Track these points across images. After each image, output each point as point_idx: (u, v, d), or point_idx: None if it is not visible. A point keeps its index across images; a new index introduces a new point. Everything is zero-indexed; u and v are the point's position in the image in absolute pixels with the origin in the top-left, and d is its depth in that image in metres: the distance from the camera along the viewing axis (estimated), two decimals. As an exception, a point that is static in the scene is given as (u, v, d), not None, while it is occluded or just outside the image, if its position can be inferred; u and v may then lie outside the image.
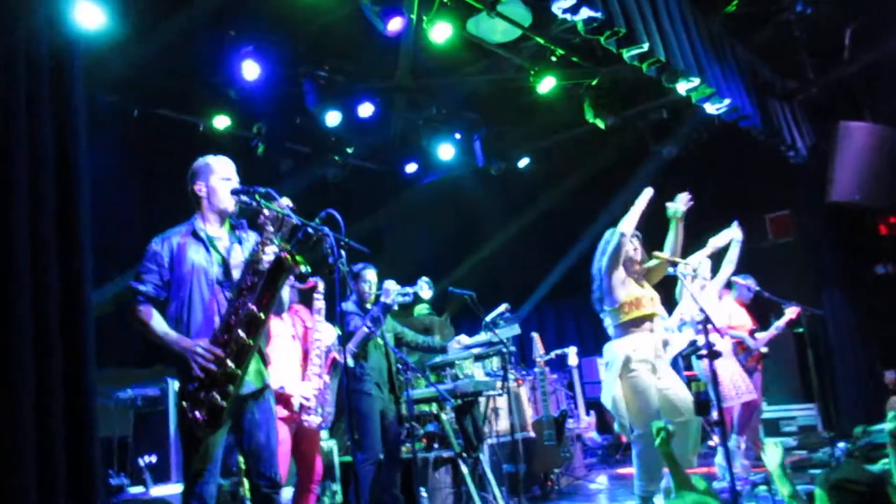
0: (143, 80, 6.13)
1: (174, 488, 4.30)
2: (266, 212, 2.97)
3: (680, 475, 3.19)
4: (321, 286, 4.27)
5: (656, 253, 4.45)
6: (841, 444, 6.21)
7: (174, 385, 4.65)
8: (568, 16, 4.52)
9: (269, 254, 2.92)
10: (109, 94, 6.09)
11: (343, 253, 2.98)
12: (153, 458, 4.46)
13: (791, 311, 6.26)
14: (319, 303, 4.33)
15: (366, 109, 7.01)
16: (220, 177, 3.15)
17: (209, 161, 3.20)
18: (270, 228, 2.96)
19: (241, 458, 4.11)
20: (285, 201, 3.00)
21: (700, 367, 5.60)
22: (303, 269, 2.88)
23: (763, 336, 6.28)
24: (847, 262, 7.67)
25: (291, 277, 3.00)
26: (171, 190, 6.69)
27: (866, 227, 7.75)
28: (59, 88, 2.71)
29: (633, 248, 4.53)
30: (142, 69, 5.89)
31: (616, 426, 6.88)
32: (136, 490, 4.43)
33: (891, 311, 7.50)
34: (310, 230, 2.96)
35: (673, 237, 4.51)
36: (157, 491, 4.31)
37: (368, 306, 4.93)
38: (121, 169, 6.53)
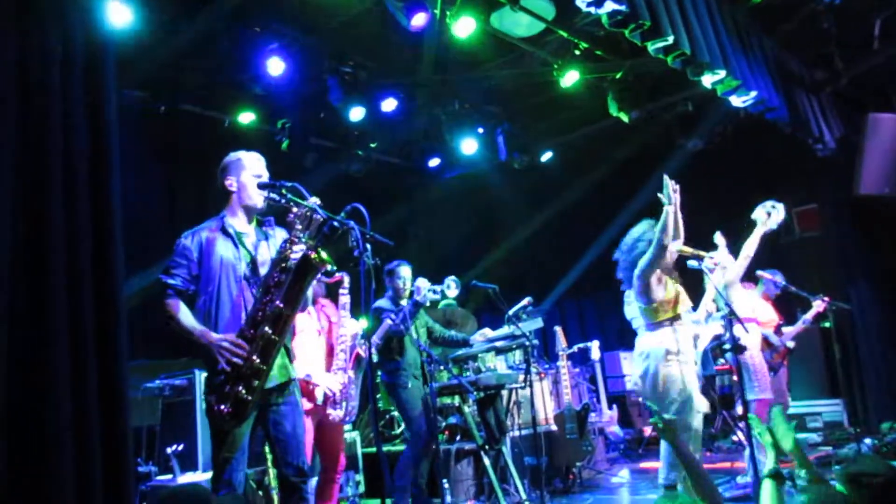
0: (169, 76, 6.21)
1: (201, 476, 4.38)
2: (294, 209, 2.99)
3: (694, 471, 3.10)
4: (346, 281, 4.32)
5: (680, 247, 4.43)
6: (867, 441, 6.13)
7: (201, 376, 4.74)
8: (592, 9, 4.50)
9: (297, 252, 2.93)
10: (137, 90, 6.18)
11: (368, 246, 2.99)
12: (180, 447, 4.54)
13: (818, 304, 6.19)
14: (345, 298, 4.38)
15: (389, 104, 7.05)
16: (251, 173, 3.15)
17: (241, 156, 3.20)
18: (298, 226, 2.97)
19: (266, 448, 4.19)
20: (313, 200, 3.00)
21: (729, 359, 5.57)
22: (329, 267, 2.92)
23: (790, 330, 6.22)
24: (875, 256, 7.55)
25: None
26: (196, 184, 6.88)
27: (895, 221, 7.62)
28: (93, 87, 2.76)
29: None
30: (168, 66, 5.98)
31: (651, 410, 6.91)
32: (164, 478, 4.53)
33: (920, 307, 7.38)
34: (335, 224, 2.98)
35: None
36: (185, 478, 4.39)
37: (403, 302, 5.12)
38: (148, 164, 6.64)
